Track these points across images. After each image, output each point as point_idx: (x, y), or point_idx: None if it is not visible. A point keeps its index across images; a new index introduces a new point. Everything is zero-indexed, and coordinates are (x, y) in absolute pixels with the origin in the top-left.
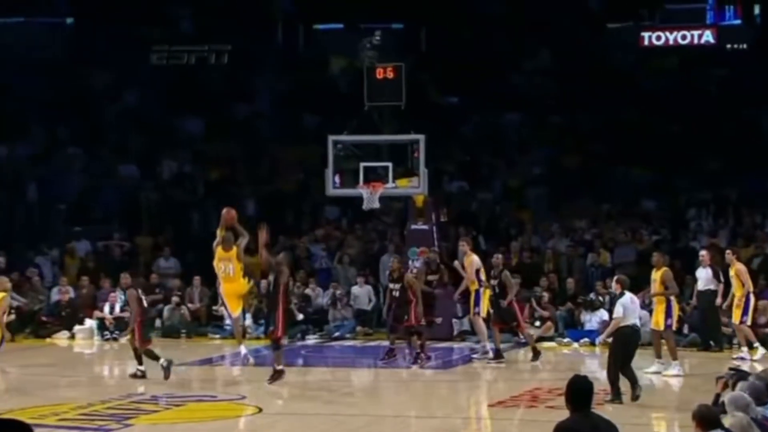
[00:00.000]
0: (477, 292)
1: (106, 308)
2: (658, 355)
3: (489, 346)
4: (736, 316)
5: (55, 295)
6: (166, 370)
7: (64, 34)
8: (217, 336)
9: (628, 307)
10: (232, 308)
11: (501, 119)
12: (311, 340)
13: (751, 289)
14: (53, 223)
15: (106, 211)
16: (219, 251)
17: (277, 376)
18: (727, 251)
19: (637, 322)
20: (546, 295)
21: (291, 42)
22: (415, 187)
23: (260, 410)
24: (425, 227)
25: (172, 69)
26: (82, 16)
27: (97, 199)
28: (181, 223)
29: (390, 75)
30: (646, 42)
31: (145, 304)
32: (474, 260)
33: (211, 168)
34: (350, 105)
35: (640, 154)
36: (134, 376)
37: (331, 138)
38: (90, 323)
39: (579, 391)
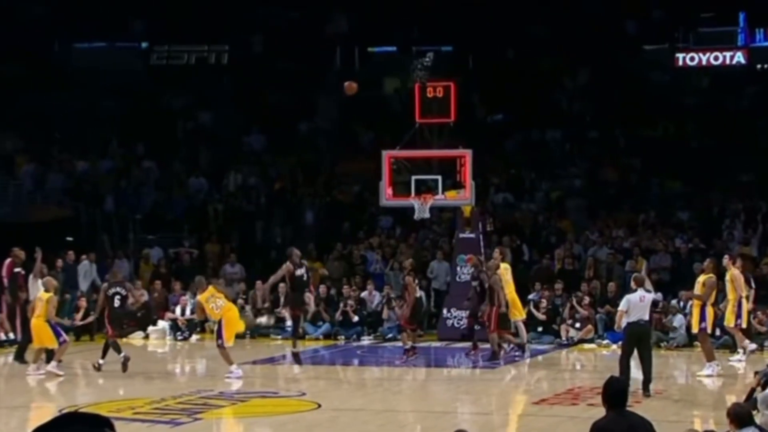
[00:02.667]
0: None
1: (178, 310)
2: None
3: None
4: (730, 320)
5: (131, 298)
6: (124, 364)
7: (141, 58)
8: (279, 337)
9: (634, 303)
10: (228, 338)
11: (543, 135)
12: (366, 340)
13: (743, 294)
14: (129, 231)
15: (177, 220)
16: (201, 296)
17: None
18: (725, 257)
19: (645, 318)
20: (587, 298)
21: (348, 63)
22: (463, 199)
23: (319, 406)
24: (472, 236)
25: (238, 89)
26: (157, 41)
27: (169, 209)
28: (246, 232)
29: (440, 94)
30: (680, 63)
31: (116, 302)
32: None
33: (274, 180)
34: (403, 122)
35: (674, 168)
36: (95, 367)
37: (385, 152)
38: (163, 324)
39: (615, 391)
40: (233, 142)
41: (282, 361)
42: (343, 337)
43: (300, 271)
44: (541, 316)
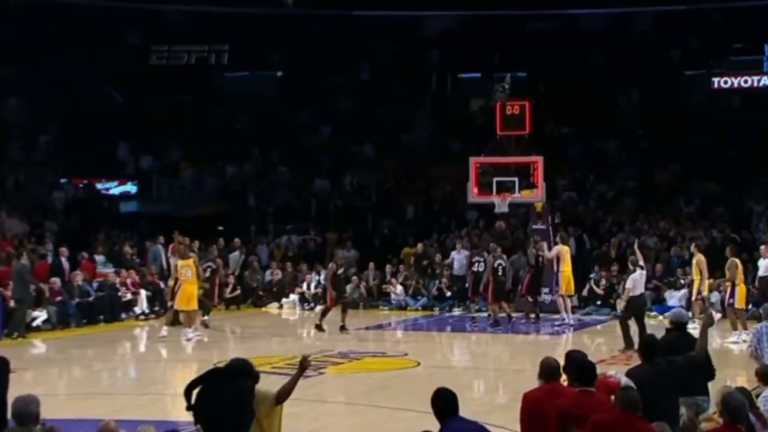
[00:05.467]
0: (556, 275)
1: (305, 286)
2: (737, 327)
3: (566, 317)
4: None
5: (268, 276)
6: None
7: (276, 84)
8: (386, 308)
9: (637, 281)
10: (177, 303)
11: (602, 145)
12: (456, 312)
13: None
14: (267, 222)
15: (304, 214)
16: (182, 261)
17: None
18: (693, 244)
19: (642, 290)
20: None
21: (441, 87)
22: (535, 197)
23: (419, 364)
24: (543, 227)
25: (353, 108)
26: (289, 70)
27: (298, 205)
28: (360, 224)
29: (516, 111)
30: (715, 85)
31: (207, 273)
32: (554, 249)
33: (382, 182)
34: (486, 134)
35: (711, 172)
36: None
37: (472, 159)
38: (293, 297)
39: (646, 345)
40: (349, 151)
41: (389, 327)
42: (437, 308)
43: (341, 271)
44: (600, 292)
